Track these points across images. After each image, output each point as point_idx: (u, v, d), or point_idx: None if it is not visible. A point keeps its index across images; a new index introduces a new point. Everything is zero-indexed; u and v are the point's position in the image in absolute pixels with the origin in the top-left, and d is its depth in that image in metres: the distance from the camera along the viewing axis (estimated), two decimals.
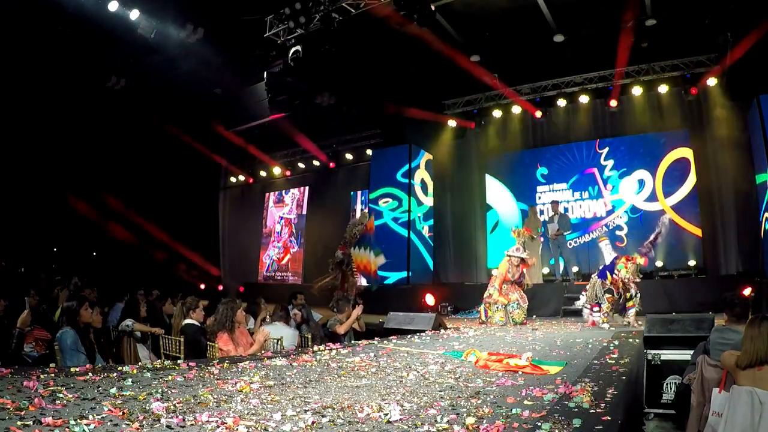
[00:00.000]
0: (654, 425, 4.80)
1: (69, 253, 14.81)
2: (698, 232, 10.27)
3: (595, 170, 11.47)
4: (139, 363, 4.32)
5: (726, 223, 10.07)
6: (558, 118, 12.03)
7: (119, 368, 3.39)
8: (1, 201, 12.28)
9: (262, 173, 16.78)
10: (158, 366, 3.60)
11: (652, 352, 5.10)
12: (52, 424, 2.01)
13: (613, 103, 11.12)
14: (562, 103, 11.64)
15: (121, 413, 2.23)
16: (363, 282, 11.23)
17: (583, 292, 7.74)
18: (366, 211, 12.75)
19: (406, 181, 12.10)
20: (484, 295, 8.18)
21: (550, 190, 11.95)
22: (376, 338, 5.72)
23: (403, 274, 11.65)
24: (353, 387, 3.13)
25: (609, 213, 11.22)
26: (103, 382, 2.91)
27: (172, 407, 2.40)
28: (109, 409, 2.27)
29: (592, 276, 7.77)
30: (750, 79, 9.10)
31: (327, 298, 8.79)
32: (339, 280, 9.81)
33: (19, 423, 1.98)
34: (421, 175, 12.62)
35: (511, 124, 12.47)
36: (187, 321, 5.31)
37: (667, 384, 4.99)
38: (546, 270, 10.88)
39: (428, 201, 12.82)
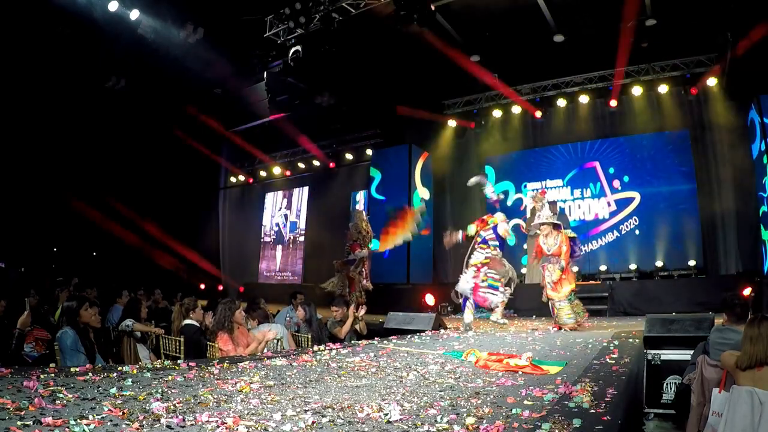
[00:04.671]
0: (654, 425, 4.80)
1: (69, 253, 14.82)
2: (698, 232, 10.27)
3: (597, 164, 11.43)
4: (139, 363, 4.32)
5: (726, 224, 10.07)
6: (558, 118, 12.03)
7: (119, 368, 3.39)
8: (1, 201, 12.28)
9: (262, 173, 16.79)
10: (158, 366, 3.60)
11: (652, 352, 5.10)
12: (52, 424, 2.01)
13: (613, 103, 11.13)
14: (562, 103, 11.64)
15: (121, 413, 2.23)
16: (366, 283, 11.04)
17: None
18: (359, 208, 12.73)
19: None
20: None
21: (546, 188, 11.92)
22: (376, 338, 5.71)
23: (403, 273, 11.64)
24: (353, 387, 3.13)
25: (612, 214, 11.17)
26: (103, 382, 2.91)
27: (172, 407, 2.40)
28: (109, 409, 2.27)
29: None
30: (750, 79, 9.10)
31: (327, 298, 8.72)
32: (346, 283, 9.57)
33: (19, 423, 1.98)
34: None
35: (511, 124, 12.46)
36: (187, 321, 5.32)
37: (667, 384, 4.99)
38: None
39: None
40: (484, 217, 7.46)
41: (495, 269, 6.93)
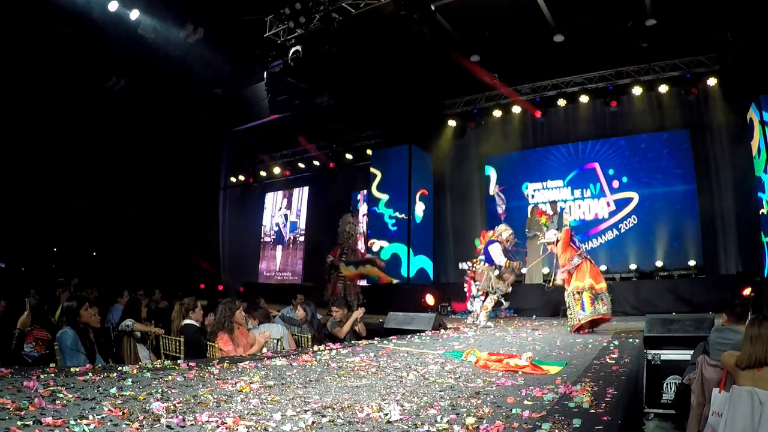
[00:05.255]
0: (654, 425, 4.80)
1: (69, 253, 14.83)
2: (698, 232, 10.27)
3: (597, 165, 11.43)
4: (139, 363, 4.32)
5: (726, 224, 10.08)
6: (558, 118, 12.03)
7: (119, 368, 3.38)
8: (1, 201, 12.29)
9: (262, 173, 16.79)
10: (158, 366, 3.60)
11: (652, 352, 5.11)
12: (52, 424, 2.01)
13: (613, 103, 11.13)
14: (562, 103, 11.64)
15: (121, 413, 2.23)
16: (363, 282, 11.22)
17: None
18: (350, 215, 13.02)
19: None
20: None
21: (546, 188, 11.94)
22: (376, 338, 5.71)
23: (404, 273, 11.65)
24: (353, 387, 3.13)
25: (612, 214, 11.17)
26: (103, 382, 2.91)
27: (172, 407, 2.40)
28: (109, 409, 2.27)
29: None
30: (750, 78, 9.09)
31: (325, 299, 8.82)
32: (331, 283, 9.83)
33: (19, 423, 1.98)
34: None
35: (511, 124, 12.47)
36: (187, 321, 5.31)
37: (667, 384, 5.00)
38: (546, 270, 10.88)
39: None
40: (490, 231, 8.05)
41: (477, 281, 7.76)
